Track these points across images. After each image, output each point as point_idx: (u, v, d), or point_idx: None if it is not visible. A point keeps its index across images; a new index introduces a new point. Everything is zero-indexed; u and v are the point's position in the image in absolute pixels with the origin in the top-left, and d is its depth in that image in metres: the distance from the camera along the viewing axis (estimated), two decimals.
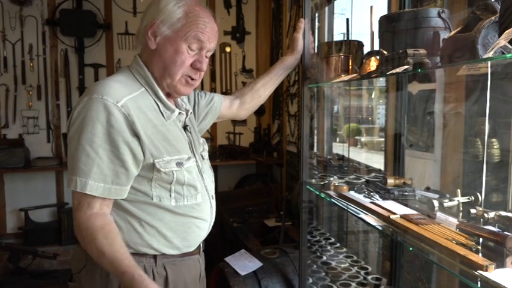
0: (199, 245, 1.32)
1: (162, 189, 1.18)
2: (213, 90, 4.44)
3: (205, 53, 1.21)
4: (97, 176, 1.09)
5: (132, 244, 1.17)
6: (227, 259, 2.13)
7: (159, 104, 1.20)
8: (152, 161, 1.14)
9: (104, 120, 1.08)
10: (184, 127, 1.29)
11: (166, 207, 1.18)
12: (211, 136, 4.43)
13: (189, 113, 1.32)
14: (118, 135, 1.09)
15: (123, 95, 1.12)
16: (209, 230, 1.32)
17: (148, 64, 1.21)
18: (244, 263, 2.08)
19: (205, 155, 1.39)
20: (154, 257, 1.20)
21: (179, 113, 1.25)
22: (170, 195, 1.18)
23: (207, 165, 1.37)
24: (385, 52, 1.25)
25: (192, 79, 1.22)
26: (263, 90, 1.64)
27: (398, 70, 1.08)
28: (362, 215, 1.34)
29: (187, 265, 1.27)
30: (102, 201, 1.11)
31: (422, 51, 1.09)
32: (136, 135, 1.11)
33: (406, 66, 1.07)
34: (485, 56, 0.84)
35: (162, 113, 1.20)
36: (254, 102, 1.66)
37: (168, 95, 1.24)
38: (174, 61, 1.17)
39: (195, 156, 1.27)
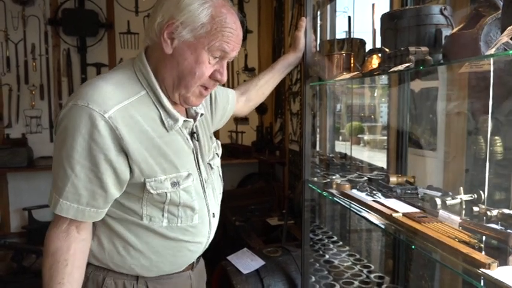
0: (193, 262, 1.21)
1: (153, 208, 1.05)
2: None
3: (227, 60, 1.07)
4: (70, 195, 0.97)
5: (112, 265, 1.09)
6: (230, 258, 2.13)
7: (161, 111, 1.04)
8: (143, 181, 1.01)
9: (86, 133, 0.93)
10: (192, 134, 1.14)
11: (156, 229, 1.06)
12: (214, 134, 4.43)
13: (199, 117, 1.17)
14: (100, 153, 0.95)
15: (113, 103, 0.96)
16: (205, 249, 1.21)
17: (158, 68, 1.05)
18: (246, 262, 2.08)
19: (215, 163, 1.24)
20: (136, 276, 1.11)
21: (185, 121, 1.09)
22: (163, 215, 1.06)
23: (215, 176, 1.23)
24: (387, 50, 1.25)
25: (206, 89, 1.08)
26: (266, 87, 1.61)
27: (400, 67, 1.08)
28: (364, 214, 1.33)
29: (174, 283, 1.16)
30: (71, 221, 1.01)
31: (424, 48, 1.08)
32: (123, 151, 0.97)
33: (408, 64, 1.06)
34: (487, 53, 0.83)
35: (163, 122, 1.04)
36: (258, 99, 1.62)
37: (175, 103, 1.09)
38: (193, 72, 1.01)
39: (199, 169, 1.13)
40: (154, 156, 1.02)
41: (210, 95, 1.36)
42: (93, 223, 1.06)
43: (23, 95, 3.99)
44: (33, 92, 4.00)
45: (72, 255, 1.00)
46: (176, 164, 1.05)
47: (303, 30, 1.59)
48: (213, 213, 1.18)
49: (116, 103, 0.97)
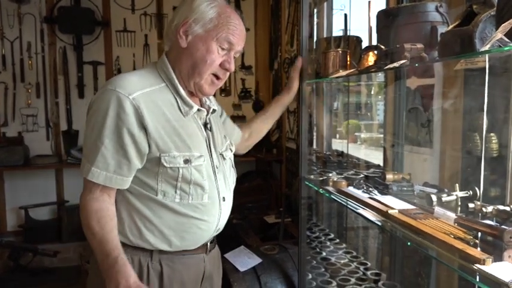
0: (206, 245, 1.31)
1: (168, 184, 1.19)
2: None
3: (234, 53, 1.25)
4: (101, 164, 1.14)
5: (131, 237, 1.21)
6: (227, 255, 2.14)
7: (178, 99, 1.22)
8: (158, 155, 1.16)
9: (113, 112, 1.12)
10: (205, 125, 1.29)
11: (168, 205, 1.19)
12: None
13: (211, 111, 1.32)
14: (124, 127, 1.12)
15: (137, 89, 1.14)
16: (216, 232, 1.32)
17: (176, 62, 1.23)
18: (243, 259, 2.09)
19: (228, 154, 1.38)
20: (151, 252, 1.22)
21: (199, 110, 1.25)
22: (175, 192, 1.19)
23: (227, 166, 1.37)
24: (382, 47, 1.25)
25: (217, 78, 1.25)
26: (261, 127, 1.70)
27: (395, 64, 1.08)
28: (360, 211, 1.34)
29: (186, 263, 1.26)
30: (103, 188, 1.16)
31: (419, 45, 1.09)
32: (144, 127, 1.14)
33: (403, 61, 1.07)
34: (482, 49, 0.84)
35: (180, 108, 1.22)
36: (253, 139, 1.71)
37: (191, 94, 1.26)
38: (205, 60, 1.19)
39: (211, 156, 1.27)
40: (170, 135, 1.17)
41: (222, 113, 1.53)
42: (115, 200, 1.21)
43: (19, 94, 3.96)
44: (30, 91, 3.98)
45: (112, 213, 1.17)
46: (189, 145, 1.20)
47: (298, 71, 1.65)
48: (223, 197, 1.29)
49: (140, 89, 1.15)
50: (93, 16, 4.02)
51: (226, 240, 3.11)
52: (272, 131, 4.35)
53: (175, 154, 1.17)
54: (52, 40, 4.02)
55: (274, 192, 3.85)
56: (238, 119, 4.52)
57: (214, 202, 1.26)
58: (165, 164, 1.16)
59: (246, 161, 4.31)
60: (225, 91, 4.49)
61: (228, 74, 1.26)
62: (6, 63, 3.91)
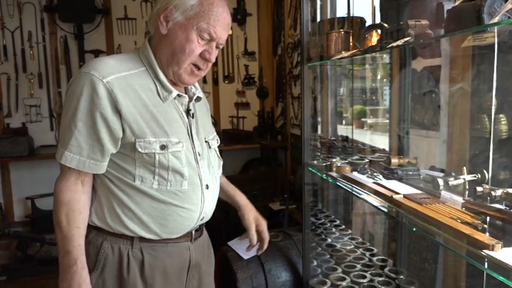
0: (191, 233, 1.28)
1: (146, 170, 1.16)
2: (215, 73, 4.39)
3: (216, 44, 1.20)
4: (74, 148, 1.12)
5: (110, 223, 1.19)
6: (230, 243, 2.12)
7: (157, 84, 1.19)
8: (133, 140, 1.13)
9: (87, 95, 1.10)
10: (188, 111, 1.25)
11: (146, 191, 1.17)
12: (214, 121, 4.39)
13: (195, 98, 1.29)
14: (97, 111, 1.10)
15: (112, 72, 1.12)
16: (201, 220, 1.28)
17: (157, 49, 1.21)
18: (247, 247, 2.06)
19: (213, 144, 1.36)
20: (131, 239, 1.19)
21: (179, 95, 1.22)
22: (153, 178, 1.17)
23: (212, 154, 1.35)
24: (385, 25, 1.20)
25: (198, 69, 1.21)
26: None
27: (398, 43, 1.03)
28: (364, 196, 1.30)
29: (169, 252, 1.23)
30: (77, 175, 1.15)
31: (424, 21, 1.03)
32: (118, 112, 1.11)
33: (407, 38, 1.02)
34: (490, 22, 0.78)
35: (159, 93, 1.19)
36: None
37: (173, 84, 1.23)
38: (183, 49, 1.16)
39: (192, 142, 1.23)
40: (147, 120, 1.14)
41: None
42: (94, 185, 1.20)
43: (22, 84, 3.95)
44: (32, 81, 3.97)
45: (82, 206, 1.16)
46: (167, 130, 1.17)
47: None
48: (207, 185, 1.26)
49: (115, 72, 1.13)
50: (93, 4, 3.98)
51: (231, 228, 3.10)
52: (277, 117, 4.31)
53: (151, 140, 1.14)
54: (53, 29, 3.99)
55: (279, 179, 3.82)
56: (242, 106, 4.49)
57: (195, 189, 1.22)
58: (140, 149, 1.13)
59: (251, 148, 4.28)
60: (228, 78, 4.44)
61: (209, 64, 1.22)
62: (7, 53, 3.89)
